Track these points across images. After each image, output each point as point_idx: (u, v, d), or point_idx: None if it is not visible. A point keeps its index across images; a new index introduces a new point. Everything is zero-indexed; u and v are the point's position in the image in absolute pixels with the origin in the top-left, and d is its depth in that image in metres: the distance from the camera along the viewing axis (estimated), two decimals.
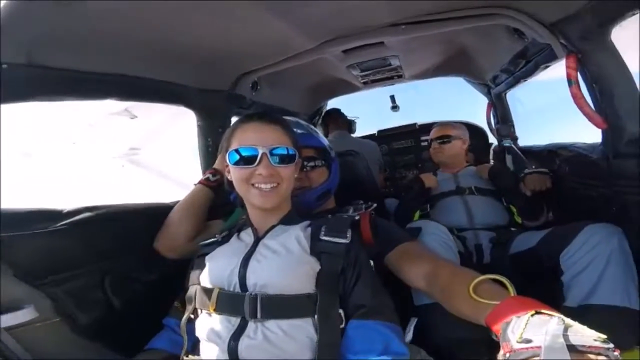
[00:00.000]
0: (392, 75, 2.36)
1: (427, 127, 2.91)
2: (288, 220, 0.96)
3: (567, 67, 1.19)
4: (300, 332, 0.78)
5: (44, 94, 1.01)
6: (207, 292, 0.85)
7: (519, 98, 2.40)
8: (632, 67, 1.11)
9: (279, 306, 0.80)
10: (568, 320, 0.59)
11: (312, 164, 1.18)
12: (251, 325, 0.79)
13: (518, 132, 2.37)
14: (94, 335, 1.02)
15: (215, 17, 1.06)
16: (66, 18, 0.87)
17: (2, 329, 0.83)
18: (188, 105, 1.58)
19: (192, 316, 0.89)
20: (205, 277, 0.88)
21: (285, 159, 0.91)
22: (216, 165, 1.29)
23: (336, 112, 2.89)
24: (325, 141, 1.26)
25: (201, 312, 0.87)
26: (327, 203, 1.23)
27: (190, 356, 0.88)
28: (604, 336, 0.55)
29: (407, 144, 3.26)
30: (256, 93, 1.88)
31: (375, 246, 1.01)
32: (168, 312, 0.99)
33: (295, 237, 0.89)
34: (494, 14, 1.24)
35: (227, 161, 0.93)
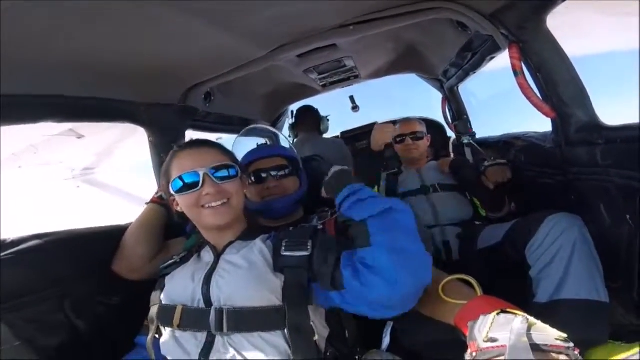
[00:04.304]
0: (348, 76, 2.36)
1: None
2: (245, 236, 0.96)
3: (511, 57, 1.23)
4: (271, 346, 0.77)
5: None
6: (170, 309, 0.85)
7: (471, 91, 2.49)
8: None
9: (246, 319, 0.79)
10: (531, 319, 0.61)
11: (282, 172, 1.19)
12: (219, 340, 0.78)
13: (474, 125, 2.40)
14: (63, 358, 1.01)
15: (154, 33, 1.00)
16: None
17: None
18: (136, 121, 1.48)
19: (156, 335, 0.88)
20: (166, 297, 0.88)
21: (227, 175, 0.93)
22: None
23: (306, 111, 2.64)
24: (294, 152, 1.29)
25: (165, 329, 0.86)
26: (296, 213, 1.22)
27: None
28: (565, 335, 0.58)
29: (369, 144, 3.26)
30: (210, 104, 1.80)
31: None
32: (139, 331, 0.99)
33: (259, 250, 0.89)
34: (435, 7, 1.25)
35: (172, 193, 0.93)
